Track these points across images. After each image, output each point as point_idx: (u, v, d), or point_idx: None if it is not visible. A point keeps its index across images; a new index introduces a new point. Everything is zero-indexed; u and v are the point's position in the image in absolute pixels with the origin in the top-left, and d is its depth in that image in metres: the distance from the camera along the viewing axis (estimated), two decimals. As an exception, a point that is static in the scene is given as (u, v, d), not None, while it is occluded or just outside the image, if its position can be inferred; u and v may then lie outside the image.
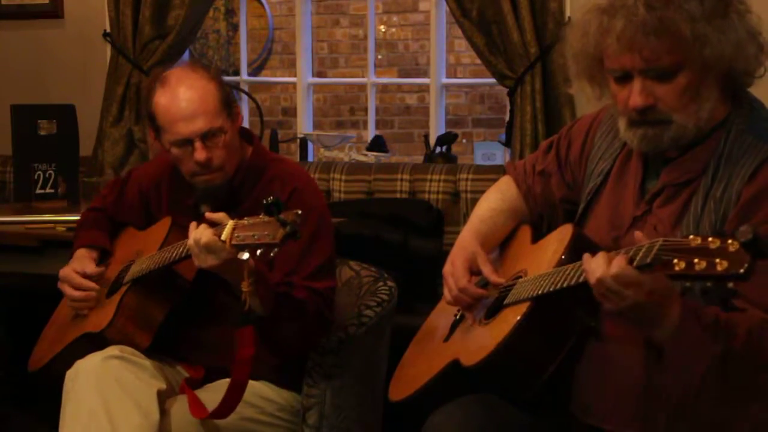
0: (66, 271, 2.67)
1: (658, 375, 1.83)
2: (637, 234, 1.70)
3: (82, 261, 2.69)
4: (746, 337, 1.73)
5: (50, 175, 4.05)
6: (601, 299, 1.71)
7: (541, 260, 2.02)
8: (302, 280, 2.47)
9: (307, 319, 2.46)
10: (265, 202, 2.09)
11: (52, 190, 4.02)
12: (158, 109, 2.53)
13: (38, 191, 4.02)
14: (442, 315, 2.30)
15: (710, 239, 1.49)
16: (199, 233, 2.25)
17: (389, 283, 2.77)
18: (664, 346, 1.75)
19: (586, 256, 1.73)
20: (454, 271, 2.16)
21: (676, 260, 1.52)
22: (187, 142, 2.50)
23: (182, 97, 2.50)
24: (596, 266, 1.69)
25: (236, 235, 2.13)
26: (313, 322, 2.48)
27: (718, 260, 1.47)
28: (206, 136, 2.49)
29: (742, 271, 1.45)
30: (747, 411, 1.76)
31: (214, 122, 2.49)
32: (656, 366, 1.81)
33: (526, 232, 2.22)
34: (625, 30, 1.82)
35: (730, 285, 1.53)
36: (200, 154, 2.49)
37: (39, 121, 4.06)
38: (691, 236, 1.52)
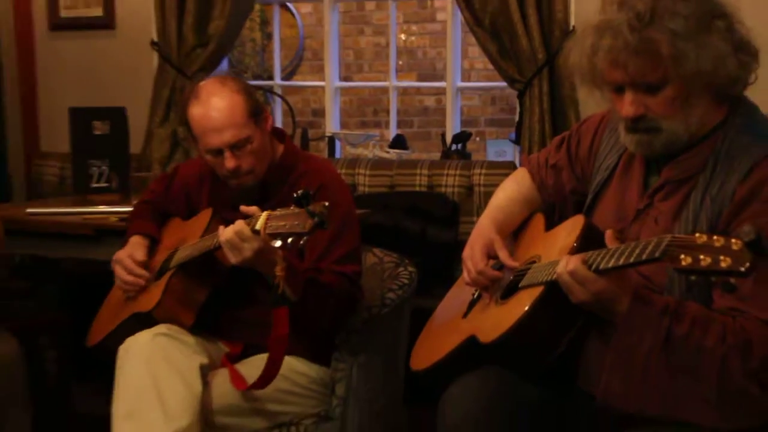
0: (120, 255, 2.70)
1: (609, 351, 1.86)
2: (608, 234, 1.76)
3: (135, 247, 2.72)
4: (689, 325, 1.73)
5: (104, 170, 4.06)
6: (565, 292, 1.77)
7: (554, 247, 2.02)
8: (329, 264, 2.48)
9: (335, 301, 2.47)
10: (295, 194, 2.11)
11: (106, 184, 4.04)
12: (192, 120, 2.55)
13: (93, 185, 4.03)
14: (460, 293, 2.30)
15: (715, 237, 1.49)
16: (234, 225, 2.27)
17: (409, 269, 2.79)
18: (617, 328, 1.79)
19: (563, 258, 1.79)
20: (473, 254, 2.17)
21: (683, 255, 1.51)
22: (218, 152, 2.52)
23: (213, 109, 2.50)
24: (561, 264, 1.76)
25: (270, 224, 2.14)
26: (341, 302, 2.50)
27: (722, 257, 1.47)
28: (235, 147, 2.51)
29: (743, 269, 1.45)
30: (693, 390, 1.76)
31: (241, 133, 2.50)
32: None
33: (539, 221, 2.23)
34: (611, 49, 1.82)
35: (732, 281, 1.51)
36: (229, 163, 2.51)
37: (94, 122, 4.07)
38: (697, 234, 1.51)
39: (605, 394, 1.85)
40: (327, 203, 2.10)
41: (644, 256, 1.61)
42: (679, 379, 1.75)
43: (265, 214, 2.17)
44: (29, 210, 3.64)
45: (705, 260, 1.48)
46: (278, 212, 2.14)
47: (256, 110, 2.55)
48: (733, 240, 1.47)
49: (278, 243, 2.12)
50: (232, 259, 2.30)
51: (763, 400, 1.74)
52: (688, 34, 1.79)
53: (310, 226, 2.06)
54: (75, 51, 5.07)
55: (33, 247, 3.49)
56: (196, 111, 2.52)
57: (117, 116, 4.15)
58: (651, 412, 1.81)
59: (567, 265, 1.74)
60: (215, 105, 2.50)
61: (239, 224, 2.26)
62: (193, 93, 2.55)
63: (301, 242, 2.12)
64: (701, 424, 1.77)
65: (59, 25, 5.09)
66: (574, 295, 1.76)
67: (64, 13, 5.07)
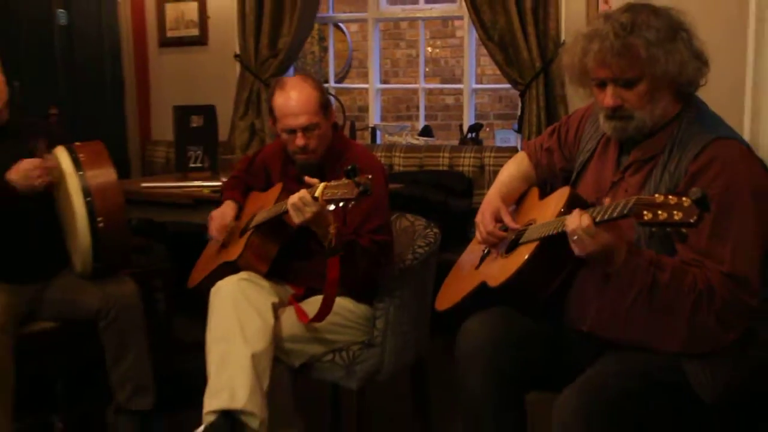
0: (214, 213, 2.75)
1: (602, 292, 1.86)
2: (606, 200, 1.69)
3: (225, 208, 2.75)
4: (670, 274, 1.71)
5: (199, 154, 4.12)
6: (573, 247, 1.69)
7: (546, 212, 1.99)
8: (366, 233, 2.47)
9: (366, 261, 2.45)
10: (345, 169, 2.13)
11: (200, 165, 4.11)
12: (276, 105, 2.54)
13: (191, 165, 4.11)
14: (474, 250, 2.27)
15: (670, 197, 1.49)
16: (299, 193, 2.26)
17: (434, 230, 2.74)
18: (611, 276, 1.77)
19: (573, 213, 1.71)
20: (483, 219, 2.15)
21: (645, 212, 1.51)
22: (292, 131, 2.52)
23: (292, 98, 2.51)
24: (574, 220, 1.68)
25: (326, 192, 2.15)
26: (371, 263, 2.47)
27: (675, 212, 1.47)
28: (306, 129, 2.51)
29: (692, 220, 1.46)
30: (669, 322, 1.75)
31: (312, 119, 2.51)
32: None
33: (534, 192, 2.20)
34: (599, 52, 1.81)
35: (684, 231, 1.50)
36: (299, 141, 2.52)
37: (191, 116, 4.15)
38: (657, 195, 1.51)
39: (597, 324, 1.87)
40: (370, 176, 2.12)
41: (615, 214, 1.60)
42: (658, 316, 1.75)
43: (322, 184, 2.17)
44: (143, 184, 3.72)
45: (662, 215, 1.49)
46: (332, 183, 2.15)
47: (326, 104, 2.56)
48: (684, 198, 1.48)
49: (332, 207, 2.14)
50: (296, 219, 2.28)
51: (718, 332, 1.73)
52: (659, 42, 1.79)
53: (357, 193, 2.09)
54: (177, 62, 5.12)
55: (146, 212, 3.54)
56: (279, 98, 2.53)
57: (209, 112, 4.21)
58: (629, 340, 1.82)
59: (581, 222, 1.66)
60: (295, 95, 2.51)
61: (302, 192, 2.26)
62: (279, 84, 2.57)
63: (350, 206, 2.13)
64: (666, 351, 1.78)
65: (166, 43, 5.15)
66: (583, 246, 1.68)
67: (169, 34, 5.13)
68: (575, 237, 1.67)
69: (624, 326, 1.82)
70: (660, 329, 1.76)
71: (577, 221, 1.66)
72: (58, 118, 3.83)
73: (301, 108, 2.49)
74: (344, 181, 2.12)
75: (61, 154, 2.64)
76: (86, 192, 2.57)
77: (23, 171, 2.54)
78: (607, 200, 1.68)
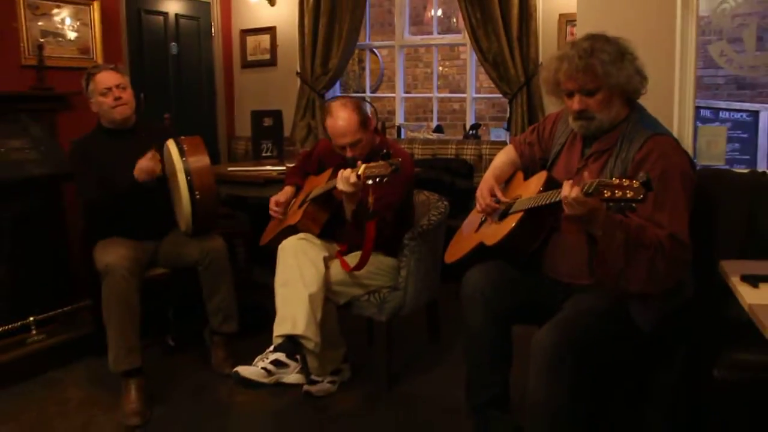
0: (272, 198, 2.70)
1: (592, 250, 1.80)
2: (585, 174, 1.67)
3: (282, 193, 2.71)
4: (636, 229, 1.69)
5: (270, 146, 4.10)
6: (566, 209, 1.67)
7: (529, 189, 1.97)
8: (383, 206, 2.39)
9: (384, 223, 2.41)
10: (381, 153, 2.11)
11: (270, 154, 4.09)
12: (327, 127, 2.48)
13: (263, 155, 4.09)
14: (473, 218, 2.25)
15: (624, 180, 1.48)
16: (346, 173, 2.22)
17: (444, 203, 2.73)
18: (595, 236, 1.72)
19: (565, 183, 1.67)
20: (482, 194, 2.12)
21: (605, 191, 1.50)
22: (342, 147, 2.46)
23: (338, 124, 2.43)
24: (566, 189, 1.65)
25: (366, 171, 2.10)
26: (388, 225, 2.43)
27: (627, 191, 1.47)
28: (352, 145, 2.44)
29: (640, 197, 1.46)
30: (635, 268, 1.71)
31: (354, 137, 2.43)
32: (590, 245, 1.78)
33: (520, 175, 2.17)
34: (567, 70, 1.81)
35: (634, 205, 1.50)
36: (349, 153, 2.45)
37: (264, 118, 4.12)
38: (614, 178, 1.50)
39: (598, 273, 1.77)
40: (400, 159, 2.11)
41: (584, 190, 1.59)
42: (630, 262, 1.70)
43: (363, 165, 2.13)
44: (229, 168, 3.67)
45: (618, 193, 1.48)
46: (371, 164, 2.11)
47: (365, 121, 2.47)
48: (633, 181, 1.48)
49: (370, 181, 2.09)
50: (342, 186, 2.22)
51: (665, 278, 1.71)
52: (612, 61, 1.79)
53: (390, 171, 2.06)
54: (254, 79, 5.07)
55: (232, 189, 3.50)
56: (329, 122, 2.46)
57: (277, 115, 4.20)
58: (608, 284, 1.75)
59: (571, 192, 1.62)
60: (340, 121, 2.42)
61: (347, 171, 2.21)
62: (328, 112, 2.47)
63: (384, 180, 2.08)
64: (633, 291, 1.73)
65: (246, 65, 5.10)
66: (575, 210, 1.63)
67: (249, 58, 5.08)
68: (567, 203, 1.64)
69: (613, 272, 1.75)
70: (628, 273, 1.71)
71: (568, 191, 1.64)
72: (170, 122, 3.86)
73: (345, 130, 2.42)
74: (380, 162, 2.08)
75: (171, 145, 2.66)
76: (188, 173, 2.58)
77: (143, 165, 2.56)
78: (586, 174, 1.65)
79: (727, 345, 1.76)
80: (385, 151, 2.09)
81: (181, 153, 2.62)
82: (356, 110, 2.45)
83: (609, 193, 1.49)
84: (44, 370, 2.76)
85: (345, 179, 2.20)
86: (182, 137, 2.70)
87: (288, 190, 2.74)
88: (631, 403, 1.93)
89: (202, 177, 2.60)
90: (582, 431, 1.75)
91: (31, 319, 2.87)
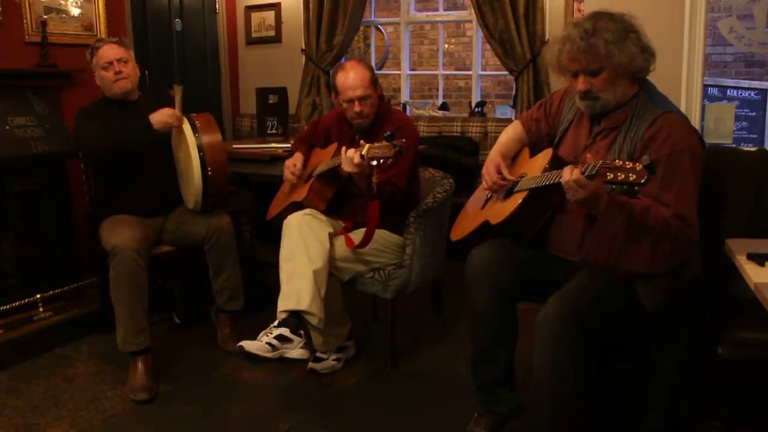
0: (287, 161, 2.71)
1: (590, 230, 1.81)
2: (588, 156, 1.66)
3: (295, 159, 2.70)
4: (640, 211, 1.68)
5: (274, 123, 4.08)
6: (567, 192, 1.65)
7: (535, 167, 1.95)
8: (392, 177, 2.39)
9: (393, 199, 2.41)
10: (385, 135, 2.09)
11: (275, 131, 4.07)
12: (338, 82, 2.48)
13: (268, 132, 4.07)
14: (479, 195, 2.23)
15: (627, 162, 1.47)
16: (350, 153, 2.21)
17: (450, 180, 2.71)
18: (597, 216, 1.71)
19: (565, 168, 1.66)
20: (488, 171, 2.10)
21: (608, 173, 1.48)
22: (351, 101, 2.46)
23: (350, 76, 2.45)
24: (567, 173, 1.63)
25: (370, 151, 2.10)
26: (392, 199, 2.42)
27: (630, 174, 1.46)
28: (361, 99, 2.45)
29: (643, 180, 1.45)
30: (638, 248, 1.73)
31: (365, 92, 2.45)
32: (590, 226, 1.78)
33: (526, 151, 2.14)
34: (570, 51, 1.78)
35: (636, 188, 1.48)
36: (356, 108, 2.46)
37: (269, 95, 4.10)
38: (617, 160, 1.49)
39: (588, 254, 1.81)
40: (404, 140, 2.08)
41: (585, 173, 1.57)
42: (632, 243, 1.71)
43: (367, 145, 2.12)
44: (234, 146, 3.64)
45: (621, 176, 1.47)
46: (375, 144, 2.11)
47: (375, 81, 2.50)
48: (637, 164, 1.46)
49: (374, 162, 2.09)
50: (347, 168, 2.23)
51: (670, 257, 1.72)
52: (614, 41, 1.76)
53: (394, 153, 2.06)
54: (259, 55, 5.02)
55: (236, 167, 3.49)
56: (341, 76, 2.47)
57: (282, 92, 4.16)
58: (608, 263, 1.77)
59: (572, 175, 1.61)
60: (353, 74, 2.45)
61: (351, 151, 2.20)
62: (340, 67, 2.50)
63: (388, 162, 2.09)
64: (633, 271, 1.75)
65: (251, 42, 5.04)
66: (576, 193, 1.63)
67: (254, 35, 5.01)
68: (568, 187, 1.63)
69: (607, 253, 1.77)
70: (631, 254, 1.72)
71: (569, 175, 1.62)
72: (173, 98, 3.84)
73: (357, 83, 2.43)
74: (384, 143, 2.07)
75: (184, 122, 2.65)
76: (200, 148, 2.57)
77: (163, 114, 2.58)
78: (589, 156, 1.64)
79: (732, 323, 1.76)
80: (389, 133, 2.08)
81: (194, 129, 2.61)
82: (369, 69, 2.49)
83: (611, 176, 1.47)
84: (51, 347, 2.78)
85: (349, 159, 2.20)
86: (194, 114, 2.69)
87: (299, 156, 2.73)
88: (635, 380, 1.93)
89: (215, 153, 2.60)
90: (585, 410, 1.76)
91: (38, 296, 2.88)
